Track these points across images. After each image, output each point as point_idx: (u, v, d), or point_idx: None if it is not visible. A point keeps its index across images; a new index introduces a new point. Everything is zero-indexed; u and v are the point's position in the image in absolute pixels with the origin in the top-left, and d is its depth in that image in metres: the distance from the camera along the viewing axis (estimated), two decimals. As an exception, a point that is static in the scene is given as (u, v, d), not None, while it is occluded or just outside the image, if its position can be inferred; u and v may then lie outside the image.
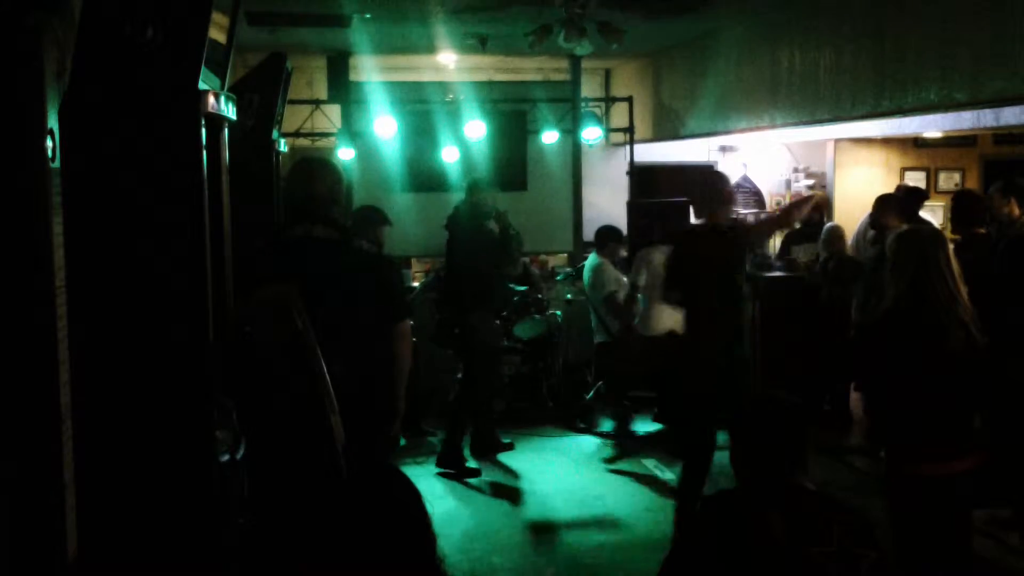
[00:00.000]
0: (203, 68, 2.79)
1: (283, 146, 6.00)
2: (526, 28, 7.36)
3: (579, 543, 5.72)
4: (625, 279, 7.93)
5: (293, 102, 8.02)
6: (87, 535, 2.46)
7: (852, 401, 7.97)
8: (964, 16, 5.53)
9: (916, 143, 10.70)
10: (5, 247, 2.22)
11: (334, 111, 9.76)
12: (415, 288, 8.61)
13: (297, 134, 9.47)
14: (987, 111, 6.67)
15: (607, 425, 8.17)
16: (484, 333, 7.12)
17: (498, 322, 7.61)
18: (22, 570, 2.27)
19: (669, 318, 7.01)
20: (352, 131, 9.56)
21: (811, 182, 11.20)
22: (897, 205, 7.18)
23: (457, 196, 9.90)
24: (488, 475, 6.96)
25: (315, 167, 4.07)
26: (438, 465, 7.02)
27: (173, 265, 2.76)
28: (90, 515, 2.51)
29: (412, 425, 7.48)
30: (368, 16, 7.73)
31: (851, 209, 10.26)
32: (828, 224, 8.41)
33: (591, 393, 8.36)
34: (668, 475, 6.98)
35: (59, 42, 2.39)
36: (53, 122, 2.29)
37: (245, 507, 3.04)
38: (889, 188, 9.00)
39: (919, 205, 7.72)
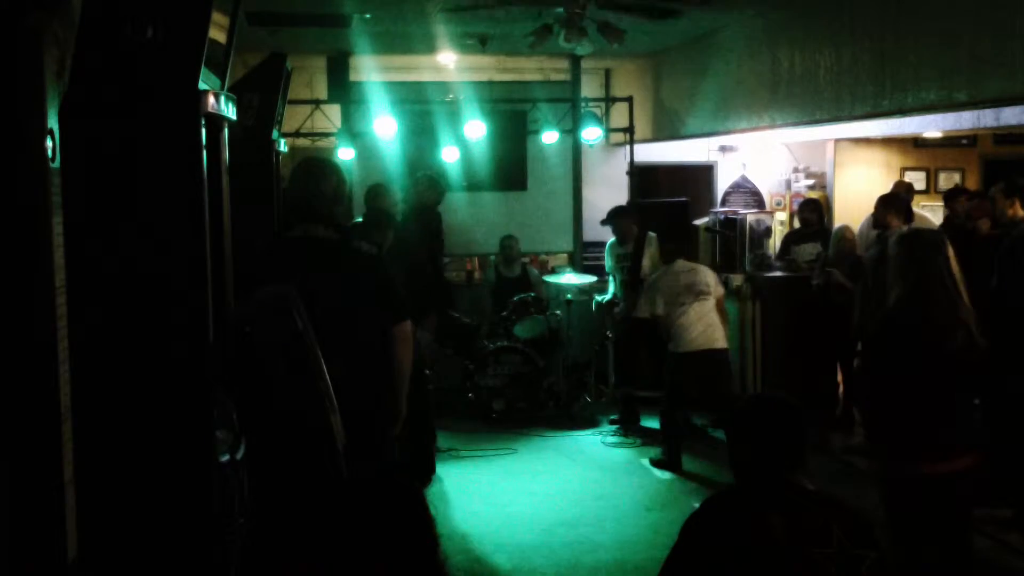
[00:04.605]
0: (203, 68, 2.79)
1: (283, 146, 6.00)
2: (526, 28, 7.36)
3: (579, 543, 5.72)
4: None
5: (293, 102, 8.03)
6: (87, 535, 2.46)
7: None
8: (964, 16, 5.53)
9: (916, 143, 10.70)
10: (5, 247, 2.22)
11: (334, 111, 9.76)
12: None
13: (297, 134, 9.47)
14: (987, 111, 6.68)
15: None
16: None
17: None
18: (22, 570, 2.27)
19: (700, 334, 6.97)
20: (352, 131, 9.56)
21: (811, 182, 11.20)
22: (899, 205, 7.18)
23: (458, 196, 9.95)
24: (488, 475, 6.96)
25: (320, 167, 4.08)
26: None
27: (173, 265, 2.76)
28: (90, 515, 2.51)
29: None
30: (368, 16, 7.73)
31: (851, 209, 10.26)
32: (839, 225, 8.41)
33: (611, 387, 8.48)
34: (667, 475, 6.99)
35: (59, 42, 2.39)
36: (53, 122, 2.29)
37: (245, 507, 3.04)
38: (889, 188, 9.01)
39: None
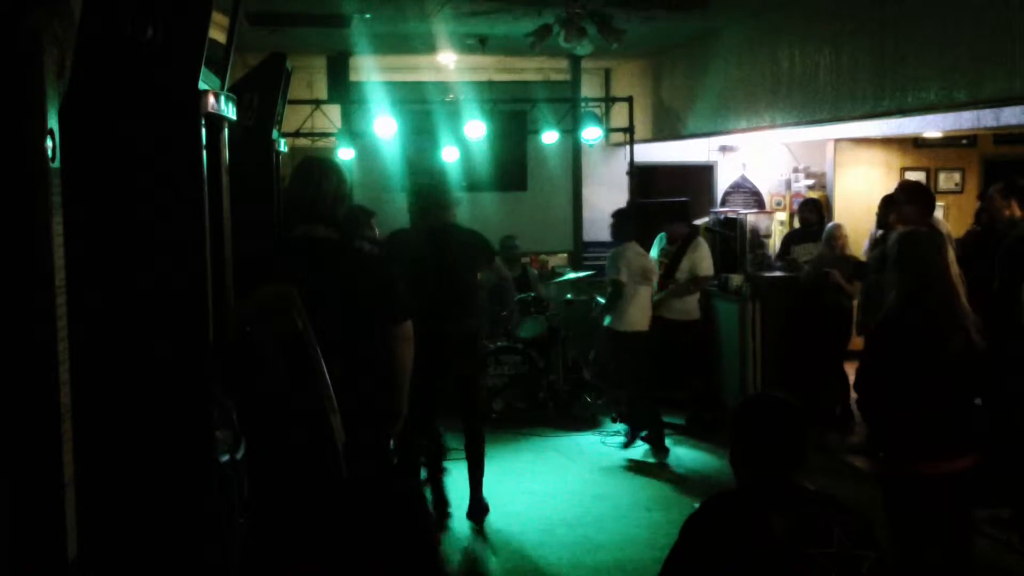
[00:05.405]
0: (203, 68, 2.79)
1: (283, 146, 5.99)
2: (526, 28, 7.37)
3: (579, 543, 5.73)
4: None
5: (293, 102, 8.03)
6: (87, 535, 2.46)
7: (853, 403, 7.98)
8: (964, 16, 5.53)
9: (916, 143, 10.70)
10: (5, 247, 2.22)
11: (334, 111, 9.77)
12: None
13: (297, 134, 9.48)
14: (987, 111, 6.69)
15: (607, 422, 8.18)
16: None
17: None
18: (22, 570, 2.27)
19: (642, 315, 7.41)
20: (352, 131, 9.57)
21: (811, 182, 11.21)
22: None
23: (458, 196, 9.94)
24: (488, 475, 6.95)
25: (320, 166, 4.08)
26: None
27: (173, 265, 2.76)
28: (90, 515, 2.51)
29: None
30: (368, 16, 7.73)
31: (851, 209, 10.28)
32: (830, 224, 8.41)
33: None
34: (667, 475, 6.99)
35: (59, 42, 2.39)
36: (53, 122, 2.29)
37: (245, 507, 3.04)
38: (889, 188, 9.00)
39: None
